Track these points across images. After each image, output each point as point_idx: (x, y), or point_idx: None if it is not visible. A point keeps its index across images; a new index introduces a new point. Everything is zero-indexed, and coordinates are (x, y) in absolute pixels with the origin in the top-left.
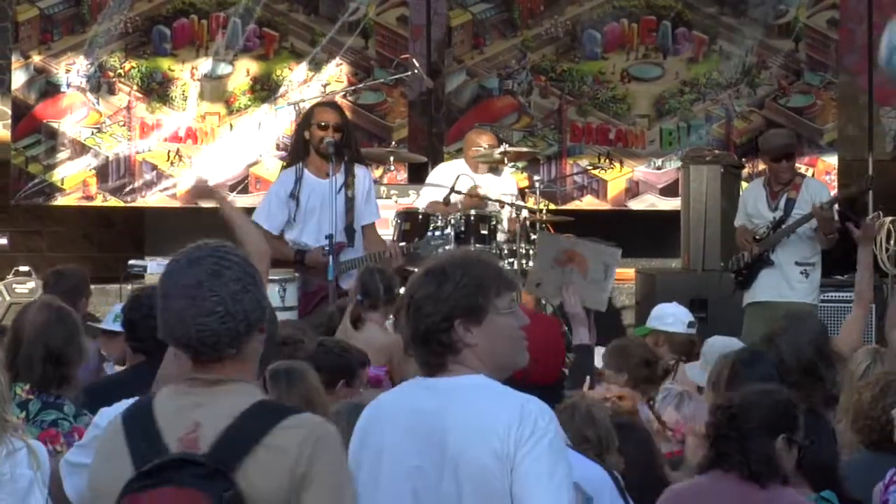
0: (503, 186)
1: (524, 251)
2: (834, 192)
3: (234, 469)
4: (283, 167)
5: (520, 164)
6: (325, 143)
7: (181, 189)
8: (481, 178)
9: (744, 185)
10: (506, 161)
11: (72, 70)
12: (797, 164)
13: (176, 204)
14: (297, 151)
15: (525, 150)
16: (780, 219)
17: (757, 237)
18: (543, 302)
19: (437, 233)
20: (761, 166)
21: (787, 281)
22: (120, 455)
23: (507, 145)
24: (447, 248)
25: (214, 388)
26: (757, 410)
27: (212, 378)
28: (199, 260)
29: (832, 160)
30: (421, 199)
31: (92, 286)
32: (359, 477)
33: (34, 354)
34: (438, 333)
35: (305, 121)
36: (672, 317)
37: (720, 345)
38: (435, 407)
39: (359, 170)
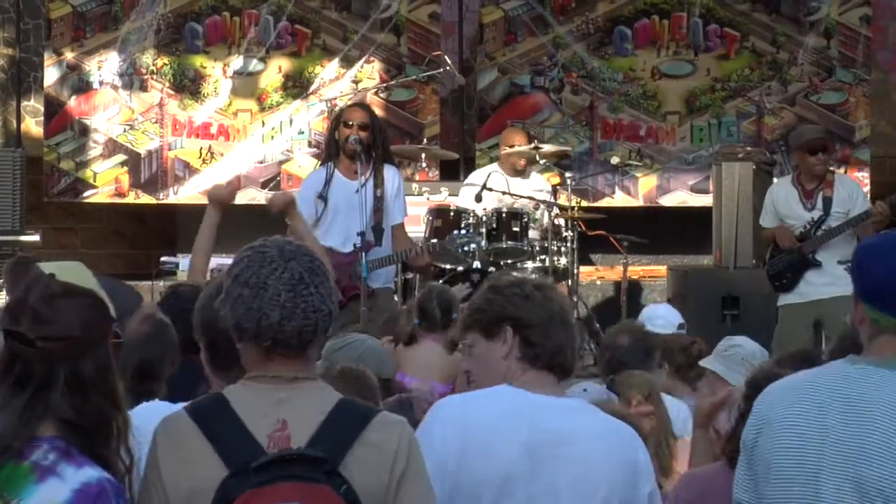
0: (536, 186)
1: (556, 248)
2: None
3: (337, 466)
4: (317, 166)
5: (550, 162)
6: (350, 141)
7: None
8: (515, 181)
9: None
10: (538, 158)
11: (104, 67)
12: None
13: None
14: (330, 152)
15: (558, 148)
16: (819, 218)
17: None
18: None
19: (465, 230)
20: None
21: (832, 279)
22: (200, 452)
23: (536, 141)
24: (473, 245)
25: (294, 385)
26: None
27: (290, 375)
28: (293, 255)
29: (864, 157)
30: (458, 201)
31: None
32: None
33: (127, 365)
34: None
35: (336, 121)
36: (662, 318)
37: (749, 350)
38: (561, 427)
39: (388, 170)
